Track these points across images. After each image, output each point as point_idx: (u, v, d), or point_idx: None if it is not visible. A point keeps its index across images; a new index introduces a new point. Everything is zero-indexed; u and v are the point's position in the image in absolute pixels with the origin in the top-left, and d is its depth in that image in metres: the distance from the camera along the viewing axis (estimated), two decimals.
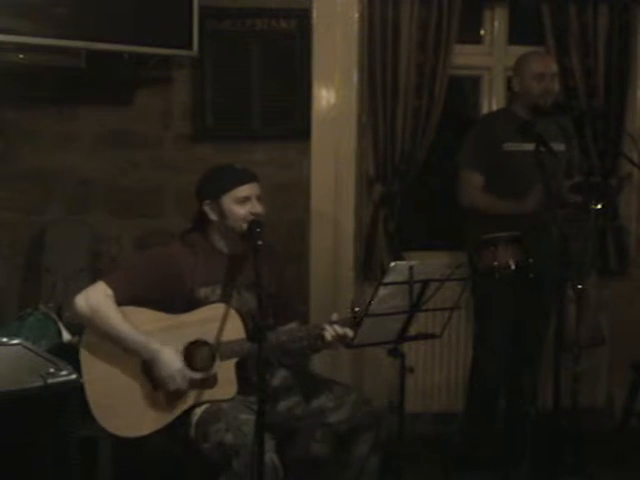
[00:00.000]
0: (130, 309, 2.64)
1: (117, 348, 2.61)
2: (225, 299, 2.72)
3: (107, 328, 2.60)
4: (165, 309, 2.68)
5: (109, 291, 2.63)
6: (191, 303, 2.70)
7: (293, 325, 2.88)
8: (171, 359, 2.59)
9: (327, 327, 2.65)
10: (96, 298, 2.62)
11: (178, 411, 2.63)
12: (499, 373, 3.70)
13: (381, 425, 2.75)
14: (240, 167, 2.80)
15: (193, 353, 2.66)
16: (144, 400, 2.63)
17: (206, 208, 2.75)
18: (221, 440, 2.51)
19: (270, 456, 2.45)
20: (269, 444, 2.47)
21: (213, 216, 2.74)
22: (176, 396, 2.63)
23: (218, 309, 2.67)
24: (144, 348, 2.60)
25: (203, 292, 2.72)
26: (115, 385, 2.62)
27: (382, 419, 2.76)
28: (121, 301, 2.63)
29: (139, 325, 2.63)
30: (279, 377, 2.88)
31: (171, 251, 2.76)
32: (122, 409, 2.61)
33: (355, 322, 2.61)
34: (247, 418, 2.50)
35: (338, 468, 2.78)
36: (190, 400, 2.64)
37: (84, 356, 2.62)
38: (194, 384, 2.62)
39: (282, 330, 2.77)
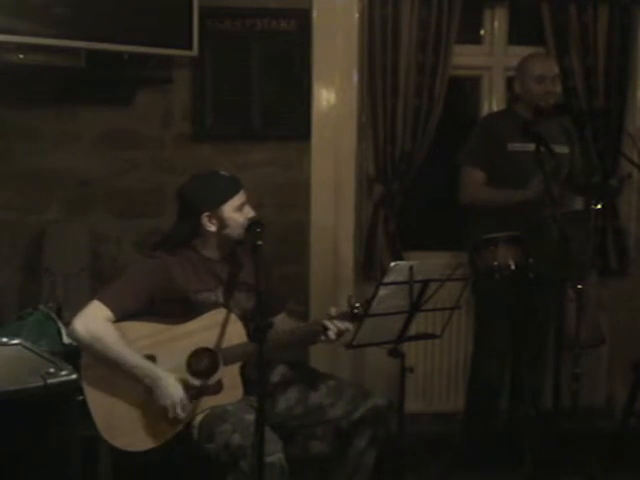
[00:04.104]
0: (130, 324, 2.62)
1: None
2: (221, 303, 2.72)
3: (108, 355, 2.57)
4: (164, 317, 2.67)
5: (107, 311, 2.60)
6: (189, 309, 2.69)
7: (283, 317, 2.92)
8: (173, 388, 2.57)
9: (328, 324, 2.65)
10: (95, 323, 2.58)
11: (186, 420, 2.62)
12: (499, 373, 3.70)
13: (381, 419, 2.75)
14: (227, 174, 2.78)
15: (197, 361, 2.65)
16: (151, 415, 2.61)
17: (204, 220, 2.70)
18: (227, 441, 2.51)
19: (278, 457, 2.46)
20: (277, 445, 2.49)
21: (211, 227, 2.71)
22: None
23: (217, 315, 2.67)
24: (146, 376, 2.58)
25: (198, 298, 2.71)
26: (120, 403, 2.60)
27: (382, 413, 2.75)
28: (119, 316, 2.61)
29: (141, 340, 2.61)
30: (278, 373, 2.89)
31: (160, 262, 2.72)
32: (130, 426, 2.60)
33: (353, 315, 2.62)
34: (253, 419, 2.48)
35: (336, 463, 2.79)
36: (197, 409, 2.63)
37: (85, 378, 2.58)
38: (199, 394, 2.62)
39: (283, 330, 2.78)
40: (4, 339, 2.59)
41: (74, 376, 2.29)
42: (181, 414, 2.57)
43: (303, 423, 2.82)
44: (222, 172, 2.80)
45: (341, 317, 2.66)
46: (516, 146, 3.51)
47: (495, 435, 3.70)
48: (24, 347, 2.54)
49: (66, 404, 2.25)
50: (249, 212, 2.72)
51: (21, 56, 3.32)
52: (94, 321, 2.59)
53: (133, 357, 2.58)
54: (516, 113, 3.62)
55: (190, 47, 3.50)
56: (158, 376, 2.57)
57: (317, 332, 2.69)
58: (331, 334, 2.65)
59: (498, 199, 3.50)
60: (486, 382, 3.70)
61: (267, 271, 2.84)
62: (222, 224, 2.70)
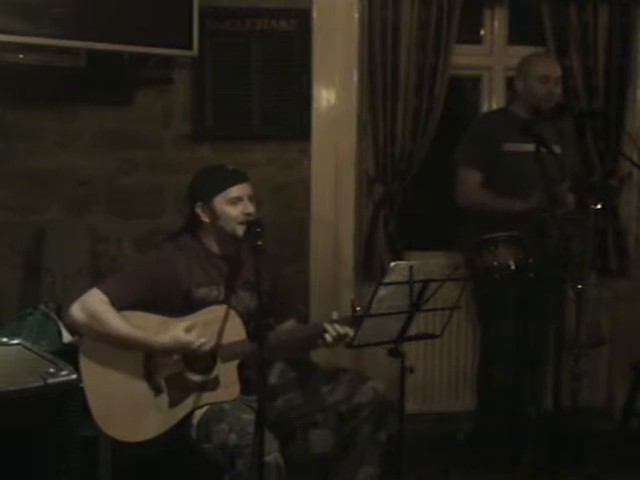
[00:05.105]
0: (128, 313, 2.62)
1: (117, 354, 2.59)
2: (223, 300, 2.72)
3: (107, 331, 2.57)
4: (164, 311, 2.67)
5: (104, 297, 2.61)
6: (189, 304, 2.69)
7: (292, 323, 2.89)
8: (178, 339, 2.57)
9: (328, 327, 2.64)
10: (92, 304, 2.60)
11: (181, 414, 2.63)
12: (508, 374, 3.66)
13: (384, 403, 2.74)
14: (231, 167, 2.80)
15: (194, 356, 2.65)
16: (147, 405, 2.61)
17: (198, 210, 2.74)
18: (224, 441, 2.51)
19: (274, 456, 2.46)
20: (273, 444, 2.48)
21: (205, 218, 2.73)
22: (179, 399, 2.63)
23: (218, 311, 2.66)
24: (148, 344, 2.58)
25: (200, 293, 2.71)
26: (117, 392, 2.60)
27: (384, 398, 2.74)
28: (116, 304, 2.61)
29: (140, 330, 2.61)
30: (276, 372, 2.89)
31: (163, 254, 2.75)
32: (125, 416, 2.60)
33: (356, 321, 2.62)
34: (250, 418, 2.49)
35: (343, 453, 2.77)
36: (193, 404, 2.64)
37: (84, 364, 2.59)
38: (196, 389, 2.62)
39: (282, 330, 2.77)
40: (4, 339, 2.60)
41: (74, 376, 2.29)
42: (205, 342, 2.57)
43: (303, 412, 2.82)
44: (227, 166, 2.81)
45: (342, 321, 2.65)
46: (512, 146, 3.51)
47: (502, 436, 3.69)
48: (24, 347, 2.54)
49: (66, 404, 2.25)
50: (247, 207, 2.71)
51: (21, 56, 3.31)
52: (90, 301, 2.61)
53: (132, 330, 2.57)
54: (512, 113, 3.62)
55: (190, 47, 3.50)
56: (160, 342, 2.57)
57: (316, 334, 2.68)
58: (329, 337, 2.64)
59: (497, 206, 3.49)
60: (497, 383, 3.67)
61: (277, 276, 2.86)
62: (214, 216, 2.72)
